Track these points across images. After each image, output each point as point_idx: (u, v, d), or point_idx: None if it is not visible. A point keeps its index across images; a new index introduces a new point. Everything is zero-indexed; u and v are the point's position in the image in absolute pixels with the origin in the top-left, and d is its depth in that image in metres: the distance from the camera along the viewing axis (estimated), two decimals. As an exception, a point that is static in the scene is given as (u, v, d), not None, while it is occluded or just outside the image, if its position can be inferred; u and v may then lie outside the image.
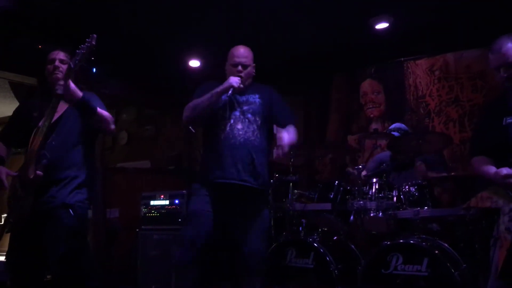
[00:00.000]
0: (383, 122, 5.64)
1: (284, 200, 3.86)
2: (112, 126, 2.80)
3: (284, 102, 3.08)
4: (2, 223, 2.88)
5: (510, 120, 2.35)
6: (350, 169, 4.13)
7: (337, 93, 6.11)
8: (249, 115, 2.89)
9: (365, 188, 3.60)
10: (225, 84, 2.83)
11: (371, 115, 5.80)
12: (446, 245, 3.17)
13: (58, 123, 2.72)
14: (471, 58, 5.14)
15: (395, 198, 3.50)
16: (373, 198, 3.50)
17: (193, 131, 5.52)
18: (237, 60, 2.97)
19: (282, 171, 4.06)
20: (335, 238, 3.87)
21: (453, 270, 2.88)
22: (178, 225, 4.57)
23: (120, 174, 6.03)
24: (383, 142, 4.77)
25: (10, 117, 2.95)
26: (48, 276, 2.77)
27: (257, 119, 2.90)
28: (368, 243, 3.70)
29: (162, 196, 4.77)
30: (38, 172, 2.56)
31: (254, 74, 3.05)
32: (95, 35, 2.52)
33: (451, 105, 5.25)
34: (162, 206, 4.74)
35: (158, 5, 4.44)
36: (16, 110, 2.99)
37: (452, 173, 3.61)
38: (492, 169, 2.32)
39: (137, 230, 4.80)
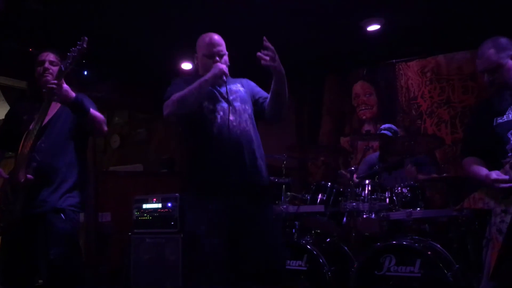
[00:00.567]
0: (376, 123, 5.66)
1: (277, 202, 3.85)
2: (105, 127, 2.78)
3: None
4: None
5: (500, 121, 2.36)
6: (343, 171, 4.14)
7: (329, 95, 6.13)
8: (237, 104, 2.56)
9: (358, 190, 3.60)
10: (215, 71, 2.47)
11: (364, 117, 5.82)
12: (439, 246, 3.18)
13: (48, 126, 2.69)
14: (462, 60, 5.18)
15: (387, 200, 3.51)
16: (365, 199, 3.51)
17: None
18: (214, 49, 2.60)
19: (274, 173, 4.06)
20: (328, 240, 3.88)
21: (446, 271, 2.89)
22: (171, 228, 4.56)
23: (112, 178, 5.99)
24: (375, 144, 4.78)
25: (2, 121, 2.94)
26: (40, 281, 2.75)
27: (247, 107, 2.59)
28: (361, 244, 3.70)
29: (155, 200, 4.75)
30: (29, 176, 2.54)
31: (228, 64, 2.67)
32: (86, 38, 2.51)
33: (442, 106, 5.28)
34: (155, 210, 4.72)
35: (150, 8, 4.43)
36: (7, 114, 2.97)
37: (444, 174, 3.61)
38: (483, 171, 2.32)
39: (130, 233, 4.77)
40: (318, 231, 3.94)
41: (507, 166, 2.22)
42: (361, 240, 3.70)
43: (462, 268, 3.03)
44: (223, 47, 2.65)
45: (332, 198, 3.79)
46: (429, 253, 3.00)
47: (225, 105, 2.53)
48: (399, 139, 3.89)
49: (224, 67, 2.51)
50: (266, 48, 2.38)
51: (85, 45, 2.49)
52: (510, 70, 2.36)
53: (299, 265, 3.48)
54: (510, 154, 2.26)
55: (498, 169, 2.26)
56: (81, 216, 4.80)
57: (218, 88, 2.58)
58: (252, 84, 2.78)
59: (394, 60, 5.64)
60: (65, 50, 2.54)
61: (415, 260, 3.01)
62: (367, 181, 3.61)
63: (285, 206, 3.76)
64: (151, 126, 7.39)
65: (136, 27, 4.83)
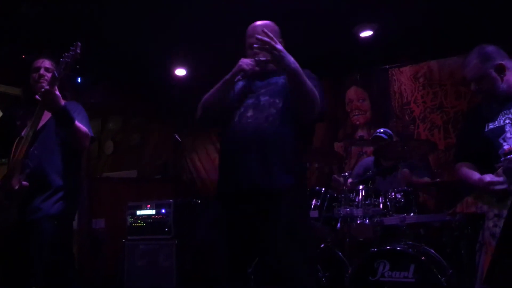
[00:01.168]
0: (369, 129, 5.68)
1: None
2: (86, 143, 2.69)
3: (313, 78, 2.34)
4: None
5: (492, 126, 2.38)
6: (337, 176, 4.14)
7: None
8: (265, 98, 2.28)
9: (352, 195, 3.61)
10: (235, 68, 2.30)
11: (357, 122, 5.83)
12: (432, 251, 3.18)
13: (41, 132, 2.67)
14: (455, 65, 5.22)
15: (381, 205, 3.51)
16: (359, 205, 3.51)
17: (179, 139, 5.51)
18: (251, 40, 2.34)
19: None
20: (322, 245, 3.87)
21: (439, 276, 2.89)
22: (165, 234, 4.54)
23: (105, 184, 5.98)
24: (369, 149, 4.80)
25: None
26: (33, 287, 2.73)
27: (277, 101, 2.26)
28: (355, 250, 3.70)
29: (149, 206, 4.74)
30: (24, 182, 2.52)
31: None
32: (79, 43, 2.48)
33: (435, 111, 5.31)
34: (149, 216, 4.71)
35: (144, 14, 4.44)
36: (0, 120, 2.96)
37: (438, 179, 3.63)
38: (476, 175, 2.34)
39: (123, 240, 4.75)
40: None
41: (500, 170, 2.24)
42: (355, 246, 3.69)
43: (456, 273, 3.03)
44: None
45: (326, 203, 3.79)
46: (423, 258, 3.00)
47: (250, 101, 2.31)
48: (393, 143, 3.91)
49: (247, 62, 2.29)
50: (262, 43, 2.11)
51: (78, 51, 2.47)
52: (495, 80, 2.37)
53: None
54: (502, 158, 2.28)
55: (491, 174, 2.28)
56: (75, 223, 4.78)
57: (257, 83, 2.37)
58: (306, 75, 2.28)
59: (387, 66, 5.67)
60: (59, 55, 2.52)
61: (409, 265, 3.01)
62: (360, 187, 3.61)
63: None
64: (145, 132, 7.38)
65: (131, 33, 4.84)
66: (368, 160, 4.51)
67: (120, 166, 7.29)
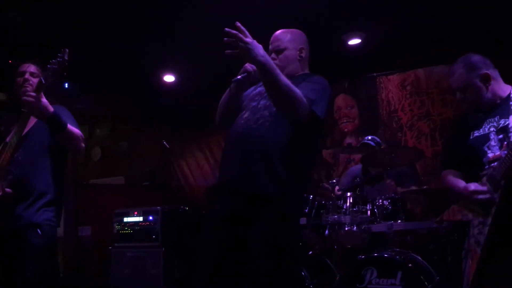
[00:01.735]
0: (357, 136, 5.71)
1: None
2: (82, 144, 2.68)
3: (316, 83, 2.30)
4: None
5: (477, 134, 2.40)
6: (325, 184, 4.15)
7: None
8: (264, 101, 2.28)
9: (340, 202, 3.62)
10: (241, 70, 2.32)
11: (345, 130, 5.86)
12: (419, 258, 3.19)
13: (25, 138, 2.63)
14: (441, 74, 5.27)
15: (369, 212, 3.52)
16: (347, 212, 3.52)
17: (168, 146, 5.49)
18: (270, 47, 2.41)
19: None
20: (310, 252, 3.87)
21: (426, 283, 2.90)
22: (152, 242, 4.51)
23: (92, 191, 5.93)
24: (357, 156, 4.81)
25: None
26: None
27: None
28: (343, 257, 3.70)
29: (136, 213, 4.70)
30: (7, 189, 2.48)
31: (298, 58, 2.42)
32: (67, 50, 2.44)
33: (422, 119, 5.36)
34: (136, 223, 4.67)
35: (132, 21, 4.43)
36: None
37: (425, 187, 3.66)
38: (461, 183, 2.36)
39: (110, 247, 4.71)
40: (300, 243, 3.93)
41: (485, 179, 2.26)
42: (343, 253, 3.70)
43: (442, 279, 3.04)
44: (281, 42, 2.41)
45: (314, 210, 3.79)
46: (410, 265, 3.01)
47: (254, 104, 2.33)
48: (381, 151, 3.93)
49: (247, 67, 2.27)
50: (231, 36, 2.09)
51: (66, 57, 2.44)
52: (480, 90, 2.39)
53: (281, 278, 3.45)
54: (487, 166, 2.30)
55: (476, 181, 2.30)
56: (61, 230, 4.72)
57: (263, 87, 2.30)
58: (308, 79, 2.33)
59: (375, 74, 5.72)
60: (46, 61, 2.49)
61: (396, 272, 3.01)
62: (348, 194, 3.62)
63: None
64: (133, 139, 7.34)
65: (119, 39, 4.82)
66: (356, 168, 4.53)
67: (108, 173, 7.23)
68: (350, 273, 3.19)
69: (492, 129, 2.33)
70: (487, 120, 2.38)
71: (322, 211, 3.71)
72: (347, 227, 3.46)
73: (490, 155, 2.29)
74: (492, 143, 2.31)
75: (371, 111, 5.71)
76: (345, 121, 5.87)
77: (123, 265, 4.58)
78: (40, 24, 4.39)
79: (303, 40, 2.50)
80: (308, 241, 3.88)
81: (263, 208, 2.10)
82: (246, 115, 2.28)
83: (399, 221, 3.38)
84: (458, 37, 4.71)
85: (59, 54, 2.45)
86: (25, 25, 4.36)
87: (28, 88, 2.63)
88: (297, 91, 2.09)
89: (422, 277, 2.93)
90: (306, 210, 3.79)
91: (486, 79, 2.38)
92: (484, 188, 2.22)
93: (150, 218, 4.61)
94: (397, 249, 3.25)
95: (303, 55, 2.45)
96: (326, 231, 3.73)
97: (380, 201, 3.51)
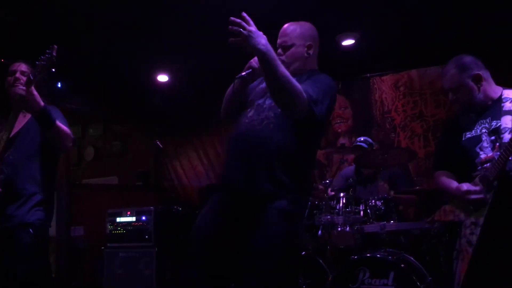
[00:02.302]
0: (351, 136, 5.72)
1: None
2: (70, 144, 2.66)
3: (320, 81, 2.24)
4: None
5: (469, 136, 2.41)
6: (318, 185, 4.16)
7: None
8: (270, 101, 2.23)
9: (333, 203, 3.62)
10: (246, 67, 2.31)
11: (339, 130, 5.87)
12: (412, 258, 3.21)
13: (17, 137, 2.62)
14: (434, 75, 5.29)
15: (362, 212, 3.53)
16: (340, 212, 3.53)
17: (161, 146, 5.47)
18: (278, 41, 2.36)
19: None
20: (303, 253, 3.87)
21: (419, 283, 2.91)
22: (145, 242, 4.50)
23: (85, 191, 5.92)
24: (350, 157, 4.83)
25: None
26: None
27: None
28: (336, 257, 3.71)
29: (129, 213, 4.70)
30: (-2, 189, 2.47)
31: (306, 55, 2.34)
32: (55, 46, 2.42)
33: (415, 120, 5.38)
34: (129, 223, 4.66)
35: (125, 20, 4.42)
36: None
37: (417, 187, 3.67)
38: (453, 184, 2.38)
39: (103, 248, 4.69)
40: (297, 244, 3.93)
41: (477, 179, 2.27)
42: (336, 253, 3.71)
43: (434, 280, 3.05)
44: (289, 37, 2.34)
45: (307, 211, 3.79)
46: (402, 265, 3.02)
47: (260, 101, 2.30)
48: (374, 151, 3.94)
49: (252, 64, 2.26)
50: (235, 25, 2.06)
51: (54, 54, 2.42)
52: (472, 90, 2.40)
53: (274, 279, 3.45)
54: (479, 167, 2.31)
55: (469, 182, 2.31)
56: (53, 230, 4.70)
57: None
58: (314, 78, 2.27)
59: (368, 74, 5.73)
60: (36, 59, 2.48)
61: (389, 272, 3.03)
62: (341, 194, 3.63)
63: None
64: (126, 139, 7.32)
65: (111, 38, 4.80)
66: (348, 170, 4.54)
67: (101, 173, 7.22)
68: (343, 273, 3.20)
69: (484, 130, 2.35)
70: (479, 122, 2.39)
71: (315, 211, 3.72)
72: (340, 227, 3.47)
73: (483, 156, 2.30)
74: (484, 144, 2.32)
75: (365, 112, 5.73)
76: (338, 121, 5.88)
77: (115, 265, 4.57)
78: (31, 24, 4.37)
79: (312, 35, 2.41)
80: (301, 241, 3.89)
81: (264, 209, 2.10)
82: (251, 114, 2.26)
83: (392, 221, 3.40)
84: (451, 39, 4.73)
85: (47, 51, 2.43)
86: (15, 25, 4.33)
87: (19, 87, 2.61)
88: (297, 85, 2.04)
89: (414, 277, 2.94)
90: (301, 211, 3.80)
91: (478, 79, 2.39)
92: (477, 188, 2.24)
93: (143, 218, 4.60)
94: (390, 250, 3.26)
95: (311, 52, 2.36)
96: (319, 232, 3.73)
97: (373, 201, 3.53)
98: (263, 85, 2.35)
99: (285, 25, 2.40)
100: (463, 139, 2.43)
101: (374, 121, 5.63)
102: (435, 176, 2.55)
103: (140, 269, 4.46)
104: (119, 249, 4.60)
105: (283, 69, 2.03)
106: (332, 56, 5.30)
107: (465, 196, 2.26)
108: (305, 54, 2.35)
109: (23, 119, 2.65)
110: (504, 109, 2.31)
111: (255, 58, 2.21)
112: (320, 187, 3.98)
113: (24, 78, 2.64)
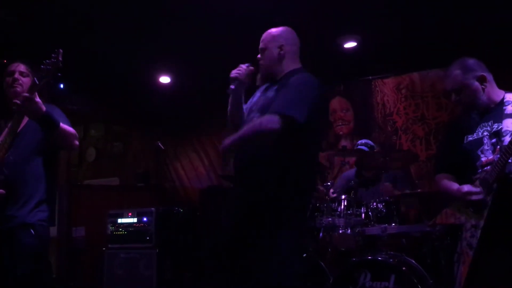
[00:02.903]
0: (352, 139, 5.71)
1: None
2: (76, 142, 2.66)
3: (294, 87, 2.29)
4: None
5: (470, 139, 2.41)
6: (319, 187, 4.15)
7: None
8: (255, 115, 2.37)
9: (334, 205, 3.62)
10: (231, 80, 2.45)
11: (340, 132, 5.87)
12: (413, 261, 3.20)
13: (17, 138, 2.60)
14: (436, 77, 5.29)
15: (363, 215, 3.53)
16: (341, 215, 3.52)
17: (162, 147, 5.48)
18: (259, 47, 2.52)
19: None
20: (304, 255, 3.87)
21: (419, 286, 2.91)
22: (146, 243, 4.50)
23: (86, 191, 5.92)
24: (351, 159, 4.82)
25: None
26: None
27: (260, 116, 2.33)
28: (337, 260, 3.70)
29: (130, 214, 4.69)
30: (0, 190, 2.47)
31: (278, 56, 2.45)
32: (61, 50, 2.44)
33: (417, 123, 5.37)
34: (130, 224, 4.66)
35: (126, 21, 4.43)
36: None
37: (419, 190, 3.67)
38: (454, 185, 2.38)
39: (104, 248, 4.69)
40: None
41: (477, 182, 2.27)
42: (337, 255, 3.70)
43: (435, 283, 3.05)
44: (263, 42, 2.51)
45: (308, 213, 3.79)
46: (403, 268, 3.02)
47: (252, 115, 2.41)
48: (375, 154, 3.93)
49: (234, 71, 2.44)
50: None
51: (60, 58, 2.43)
52: (475, 91, 2.40)
53: (275, 281, 3.45)
54: (480, 170, 2.31)
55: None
56: (54, 231, 4.70)
57: (262, 91, 2.51)
58: (289, 84, 2.32)
59: (370, 77, 5.72)
60: (38, 62, 2.48)
61: (390, 275, 3.02)
62: (343, 196, 3.62)
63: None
64: (127, 139, 7.33)
65: (112, 39, 4.81)
66: (350, 172, 4.53)
67: (102, 174, 7.22)
68: (344, 276, 3.19)
69: (485, 133, 2.35)
70: (481, 125, 2.39)
71: (316, 213, 3.71)
72: (341, 230, 3.46)
73: (483, 159, 2.31)
74: (486, 147, 2.32)
75: (366, 114, 5.72)
76: (340, 123, 5.88)
77: (116, 266, 4.57)
78: (32, 24, 4.37)
79: (283, 35, 2.52)
80: (302, 243, 3.88)
81: (259, 214, 2.23)
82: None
83: (393, 224, 3.39)
84: (453, 41, 4.73)
85: (53, 55, 2.44)
86: (15, 25, 4.33)
87: (18, 88, 2.61)
88: (262, 123, 2.20)
89: (415, 280, 2.94)
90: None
91: (483, 80, 2.40)
92: (478, 189, 2.24)
93: (144, 219, 4.60)
94: (391, 252, 3.26)
95: (283, 51, 2.46)
96: (320, 234, 3.73)
97: (374, 204, 3.52)
98: (256, 97, 2.51)
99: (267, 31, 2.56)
100: (465, 141, 2.43)
101: (376, 124, 5.63)
102: (436, 179, 2.55)
103: (140, 270, 4.46)
104: (120, 250, 4.60)
105: (247, 129, 2.24)
106: (334, 58, 5.32)
107: (466, 197, 2.26)
108: (278, 55, 2.45)
109: (24, 119, 2.64)
110: (506, 112, 2.31)
111: (236, 69, 2.43)
112: (321, 189, 3.98)
113: (23, 79, 2.64)
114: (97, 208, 5.41)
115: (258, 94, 2.54)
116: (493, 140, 2.29)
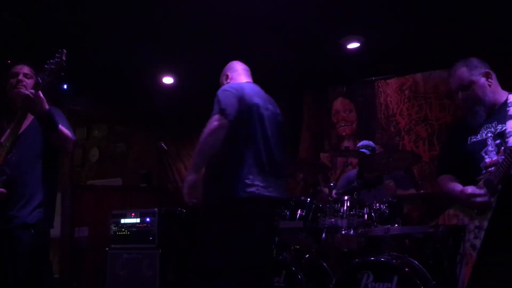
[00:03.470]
0: (355, 140, 5.71)
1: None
2: (70, 146, 2.68)
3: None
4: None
5: (474, 140, 2.41)
6: (322, 188, 4.15)
7: (309, 111, 6.17)
8: None
9: (337, 206, 3.60)
10: None
11: (343, 133, 5.86)
12: (415, 262, 3.19)
13: (19, 138, 2.61)
14: (439, 78, 5.29)
15: (366, 216, 3.52)
16: (344, 216, 3.51)
17: (165, 148, 5.48)
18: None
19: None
20: (307, 256, 3.87)
21: (422, 288, 2.90)
22: (149, 243, 4.50)
23: (89, 192, 5.92)
24: (354, 160, 4.81)
25: None
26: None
27: None
28: (340, 260, 3.70)
29: (133, 214, 4.69)
30: (1, 189, 2.47)
31: (224, 83, 3.04)
32: (64, 50, 2.45)
33: (420, 123, 5.36)
34: (133, 225, 4.66)
35: (130, 22, 4.43)
36: None
37: (421, 191, 3.66)
38: (458, 187, 2.36)
39: (107, 249, 4.69)
40: (297, 247, 3.92)
41: (481, 183, 2.26)
42: (340, 256, 3.70)
43: (438, 284, 3.04)
44: None
45: (311, 214, 3.78)
46: (406, 269, 3.01)
47: None
48: (377, 155, 3.92)
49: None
50: None
51: (64, 58, 2.44)
52: (483, 87, 2.40)
53: (278, 282, 3.45)
54: (483, 171, 2.30)
55: (473, 186, 2.30)
56: (57, 231, 4.71)
57: None
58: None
59: (373, 78, 5.72)
60: (41, 63, 2.49)
61: (393, 276, 3.01)
62: (346, 197, 3.61)
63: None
64: (130, 140, 7.34)
65: (116, 40, 4.82)
66: (352, 173, 4.53)
67: (105, 174, 7.23)
68: (346, 276, 3.19)
69: (489, 134, 2.34)
70: (485, 126, 2.39)
71: (319, 214, 3.71)
72: (344, 230, 3.45)
73: (487, 160, 2.30)
74: (489, 148, 2.31)
75: (369, 115, 5.72)
76: (343, 124, 5.88)
77: (119, 267, 4.56)
78: (35, 25, 4.38)
79: (225, 69, 3.13)
80: (305, 244, 3.88)
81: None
82: None
83: (396, 225, 3.38)
84: (456, 42, 4.72)
85: (57, 55, 2.45)
86: (18, 26, 4.35)
87: (22, 89, 2.62)
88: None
89: (418, 281, 2.93)
90: (303, 213, 3.79)
91: (488, 76, 2.41)
92: (481, 191, 2.23)
93: (147, 219, 4.60)
94: (394, 253, 3.25)
95: (225, 82, 3.03)
96: (323, 235, 3.72)
97: (377, 205, 3.51)
98: None
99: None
100: (468, 142, 2.42)
101: (379, 125, 5.62)
102: (439, 180, 2.54)
103: (143, 271, 4.46)
104: (123, 251, 4.60)
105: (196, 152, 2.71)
106: (337, 59, 5.32)
107: (470, 199, 2.25)
108: (224, 83, 3.00)
109: (26, 121, 2.65)
110: (509, 113, 2.31)
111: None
112: (324, 190, 3.97)
113: (27, 80, 2.65)
114: (100, 209, 5.42)
115: None
116: (497, 141, 2.29)
